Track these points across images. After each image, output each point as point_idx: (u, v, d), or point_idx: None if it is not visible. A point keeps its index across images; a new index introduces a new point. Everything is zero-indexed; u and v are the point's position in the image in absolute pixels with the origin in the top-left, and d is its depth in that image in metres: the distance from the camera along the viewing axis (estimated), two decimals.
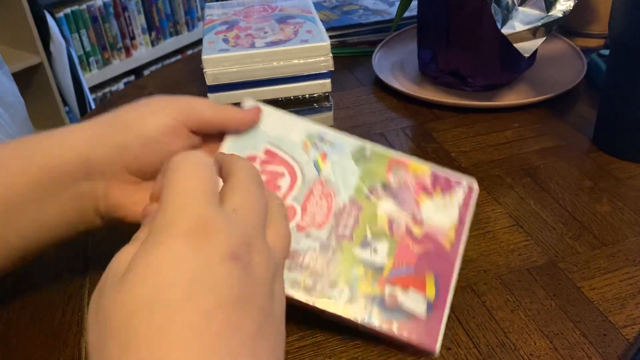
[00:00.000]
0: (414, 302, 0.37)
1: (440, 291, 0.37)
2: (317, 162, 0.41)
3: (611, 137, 0.56)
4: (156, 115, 0.38)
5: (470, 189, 0.41)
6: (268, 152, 0.41)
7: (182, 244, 0.24)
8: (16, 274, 0.43)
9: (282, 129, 0.42)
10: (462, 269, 0.44)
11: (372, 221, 0.39)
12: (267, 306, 0.26)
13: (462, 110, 0.64)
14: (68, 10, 2.07)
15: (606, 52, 0.68)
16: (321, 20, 0.66)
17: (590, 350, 0.37)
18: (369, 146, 0.42)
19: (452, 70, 0.66)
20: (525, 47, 0.55)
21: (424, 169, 0.42)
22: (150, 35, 2.39)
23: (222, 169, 0.31)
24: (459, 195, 0.41)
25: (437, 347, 0.36)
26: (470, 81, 0.66)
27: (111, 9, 2.22)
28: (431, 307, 0.37)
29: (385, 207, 0.40)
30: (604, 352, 0.37)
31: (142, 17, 2.35)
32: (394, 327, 0.36)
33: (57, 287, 0.45)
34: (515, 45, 0.55)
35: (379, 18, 0.82)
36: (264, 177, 0.39)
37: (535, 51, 0.64)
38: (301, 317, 0.40)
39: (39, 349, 0.40)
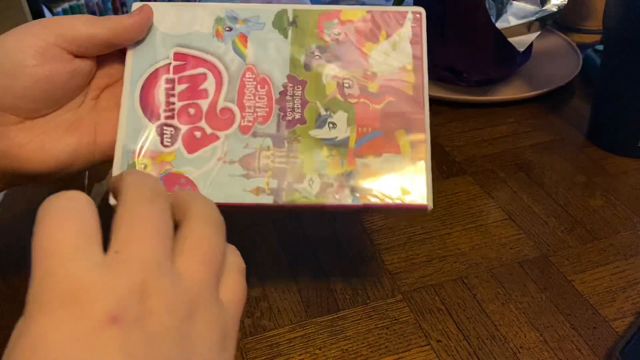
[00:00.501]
0: (391, 164, 0.34)
1: (415, 143, 0.34)
2: (237, 48, 0.36)
3: (605, 132, 0.56)
4: (18, 38, 0.33)
5: (417, 16, 0.37)
6: (179, 55, 0.36)
7: (52, 321, 0.19)
8: None
9: (186, 24, 0.36)
10: (453, 261, 0.44)
11: (320, 94, 0.35)
12: (184, 355, 0.21)
13: (456, 105, 0.64)
14: (66, 5, 2.07)
15: (601, 47, 0.68)
16: None
17: (580, 343, 0.37)
18: (290, 7, 0.37)
19: (447, 65, 0.66)
20: (520, 41, 0.55)
21: (359, 13, 0.36)
22: None
23: (178, 209, 0.26)
24: (407, 29, 0.36)
25: (429, 200, 0.33)
26: (465, 76, 0.66)
27: (109, 4, 2.22)
28: (410, 162, 0.34)
29: (330, 72, 0.36)
30: (594, 344, 0.37)
31: None
32: (377, 198, 0.33)
33: None
34: (509, 39, 0.55)
35: None
36: (184, 86, 0.35)
37: (531, 47, 0.64)
38: (291, 309, 0.41)
39: None
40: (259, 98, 0.35)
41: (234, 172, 0.34)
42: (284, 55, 0.36)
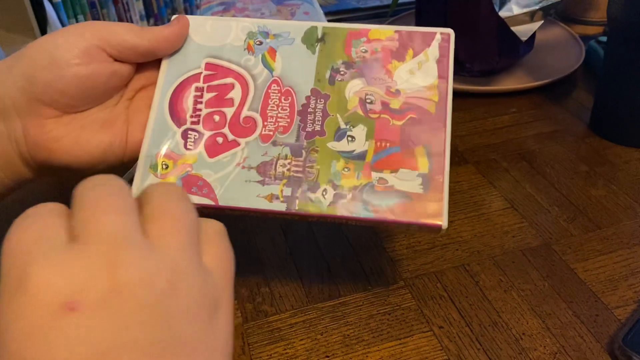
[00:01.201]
0: (407, 181, 0.33)
1: (434, 161, 0.34)
2: (266, 61, 0.37)
3: (608, 121, 0.56)
4: (66, 38, 0.34)
5: (446, 37, 0.37)
6: (210, 66, 0.37)
7: (9, 313, 0.18)
8: None
9: (220, 36, 0.38)
10: (455, 249, 0.44)
11: (341, 108, 0.36)
12: (158, 335, 0.19)
13: (459, 95, 0.64)
14: None
15: (605, 39, 0.68)
16: (319, 4, 0.65)
17: (582, 330, 0.37)
18: (320, 25, 0.38)
19: None
20: (523, 31, 0.55)
21: (387, 32, 0.37)
22: (148, 22, 2.38)
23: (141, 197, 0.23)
24: (434, 49, 0.36)
25: (444, 220, 0.32)
26: (468, 66, 0.66)
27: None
28: (427, 179, 0.33)
29: (353, 87, 0.36)
30: (596, 332, 0.37)
31: (140, 3, 2.33)
32: (391, 213, 0.33)
33: None
34: (512, 28, 0.55)
35: (376, 3, 0.82)
36: (212, 94, 0.37)
37: (534, 37, 0.64)
38: (292, 294, 0.40)
39: None
40: (281, 109, 0.36)
41: (250, 177, 0.34)
42: (309, 69, 0.37)
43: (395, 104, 0.35)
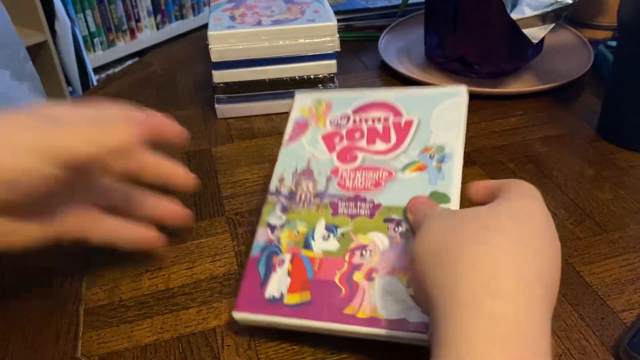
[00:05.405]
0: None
1: None
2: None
3: (615, 126, 0.56)
4: (16, 157, 0.32)
5: None
6: None
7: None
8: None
9: None
10: None
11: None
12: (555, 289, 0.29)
13: None
14: None
15: (614, 43, 0.68)
16: (329, 3, 0.65)
17: (587, 333, 0.37)
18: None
19: (458, 57, 0.66)
20: (534, 33, 0.55)
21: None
22: (155, 18, 2.38)
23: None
24: None
25: None
26: (476, 68, 0.66)
27: None
28: None
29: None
30: (601, 335, 0.37)
31: None
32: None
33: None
34: (523, 30, 0.55)
35: (386, 3, 0.82)
36: None
37: (542, 40, 0.64)
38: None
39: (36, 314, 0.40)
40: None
41: None
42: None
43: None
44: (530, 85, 0.65)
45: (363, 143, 0.42)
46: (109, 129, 0.34)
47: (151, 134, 0.36)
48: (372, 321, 0.34)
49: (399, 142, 0.42)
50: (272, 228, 0.40)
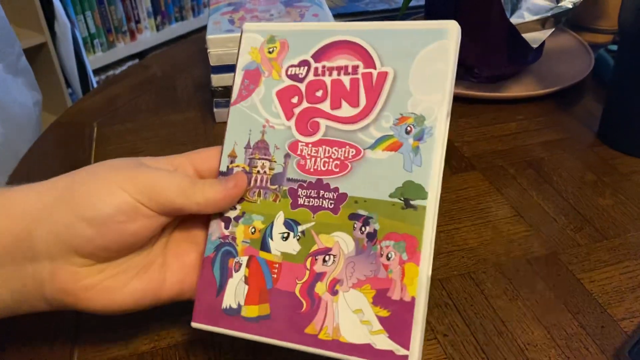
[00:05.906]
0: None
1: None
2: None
3: (616, 131, 0.56)
4: (110, 189, 0.32)
5: None
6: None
7: None
8: None
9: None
10: (461, 256, 0.44)
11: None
12: None
13: (466, 101, 0.64)
14: None
15: (614, 47, 0.68)
16: (328, 7, 0.65)
17: (587, 342, 0.37)
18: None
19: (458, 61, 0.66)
20: (534, 38, 0.54)
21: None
22: (155, 19, 2.38)
23: None
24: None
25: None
26: (476, 72, 0.66)
27: None
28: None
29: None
30: (602, 343, 0.37)
31: (148, 0, 2.33)
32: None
33: None
34: (523, 35, 0.54)
35: (385, 6, 0.81)
36: None
37: (543, 44, 0.64)
38: None
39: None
40: None
41: None
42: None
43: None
44: (531, 89, 0.65)
45: (326, 106, 0.35)
46: (204, 186, 0.34)
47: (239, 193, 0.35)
48: (334, 344, 0.31)
49: (370, 105, 0.34)
50: (226, 221, 0.35)
